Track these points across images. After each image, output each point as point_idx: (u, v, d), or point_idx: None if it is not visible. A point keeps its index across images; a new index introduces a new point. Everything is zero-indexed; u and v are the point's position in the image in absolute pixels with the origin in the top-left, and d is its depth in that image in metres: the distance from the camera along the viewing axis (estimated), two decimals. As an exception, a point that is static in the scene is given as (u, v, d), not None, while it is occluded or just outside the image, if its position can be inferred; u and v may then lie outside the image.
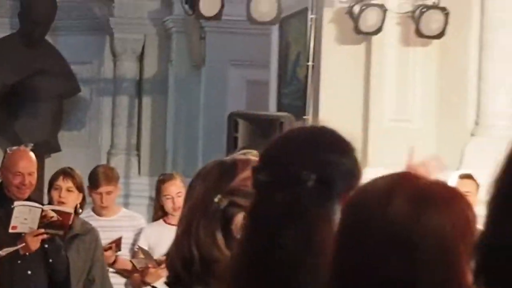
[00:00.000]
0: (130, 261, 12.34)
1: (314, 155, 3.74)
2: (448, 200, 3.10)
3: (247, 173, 4.06)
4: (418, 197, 3.08)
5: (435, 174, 3.85)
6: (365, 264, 3.08)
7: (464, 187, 11.85)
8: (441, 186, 3.18)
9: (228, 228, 4.21)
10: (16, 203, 10.36)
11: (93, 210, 12.88)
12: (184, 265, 4.30)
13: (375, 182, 3.19)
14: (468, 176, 12.41)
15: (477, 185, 12.41)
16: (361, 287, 3.09)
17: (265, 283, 3.62)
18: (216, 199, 4.22)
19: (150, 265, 12.06)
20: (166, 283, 4.53)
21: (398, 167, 3.83)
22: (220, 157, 13.96)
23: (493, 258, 2.74)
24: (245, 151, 11.36)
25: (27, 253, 10.28)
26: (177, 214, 12.30)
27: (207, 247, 4.23)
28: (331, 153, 3.73)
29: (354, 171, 3.68)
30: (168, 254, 4.61)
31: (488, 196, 2.77)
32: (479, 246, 2.79)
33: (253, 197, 3.77)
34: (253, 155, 12.23)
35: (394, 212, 3.05)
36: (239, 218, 4.09)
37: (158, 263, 11.82)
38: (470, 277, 3.03)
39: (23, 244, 10.14)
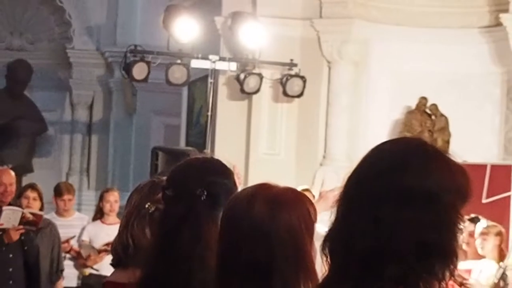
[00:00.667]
0: (78, 249, 12.31)
1: (205, 178, 3.81)
2: (295, 202, 3.16)
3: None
4: (273, 201, 3.13)
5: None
6: (237, 250, 3.11)
7: (307, 194, 11.96)
8: (290, 192, 3.23)
9: (153, 225, 4.17)
10: (4, 207, 10.20)
11: (56, 213, 12.70)
12: (123, 250, 4.33)
13: (243, 191, 3.31)
14: (307, 190, 11.93)
15: (313, 196, 12.03)
16: (235, 267, 3.11)
17: (167, 268, 3.69)
18: (147, 206, 4.26)
19: (91, 254, 12.07)
20: (111, 264, 4.50)
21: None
22: (145, 178, 13.87)
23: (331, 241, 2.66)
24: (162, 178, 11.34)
25: (9, 242, 10.10)
26: (112, 215, 12.49)
27: (139, 238, 4.26)
28: (217, 176, 3.83)
29: (232, 189, 3.79)
30: (112, 244, 4.58)
31: (335, 204, 2.68)
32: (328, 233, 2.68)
33: (163, 206, 3.91)
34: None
35: (255, 212, 3.10)
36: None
37: (98, 252, 12.01)
38: (313, 254, 3.15)
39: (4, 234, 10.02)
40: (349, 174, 2.68)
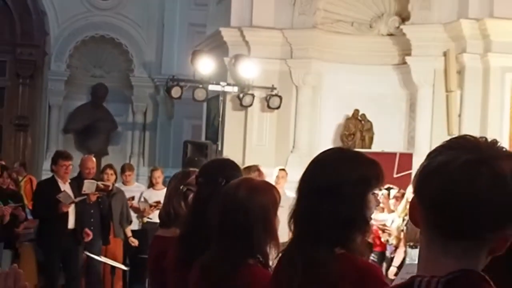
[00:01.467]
0: (138, 206, 12.23)
1: (224, 171, 3.74)
2: (267, 189, 3.17)
3: (194, 176, 4.01)
4: (252, 188, 3.14)
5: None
6: (227, 219, 3.11)
7: (282, 173, 11.81)
8: (264, 183, 3.29)
9: (186, 200, 4.18)
10: (85, 180, 10.24)
11: (122, 183, 12.39)
12: (167, 216, 4.30)
13: (234, 181, 3.28)
14: (283, 169, 12.01)
15: (286, 173, 11.90)
16: (226, 230, 3.10)
17: (197, 227, 3.60)
18: (181, 187, 4.24)
19: (146, 208, 11.94)
20: (159, 225, 4.49)
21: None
22: (179, 160, 13.69)
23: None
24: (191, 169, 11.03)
25: (90, 202, 10.12)
26: (159, 184, 12.22)
27: (177, 208, 4.22)
28: (232, 170, 3.75)
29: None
30: (160, 211, 4.54)
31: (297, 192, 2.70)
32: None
33: (196, 188, 3.86)
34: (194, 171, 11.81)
35: (239, 195, 3.10)
36: (191, 196, 4.05)
37: (150, 206, 11.92)
38: (277, 226, 3.11)
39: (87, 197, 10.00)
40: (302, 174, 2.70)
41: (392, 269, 9.68)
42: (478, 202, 1.53)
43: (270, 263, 3.08)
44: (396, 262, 9.68)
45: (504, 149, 1.61)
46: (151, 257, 4.51)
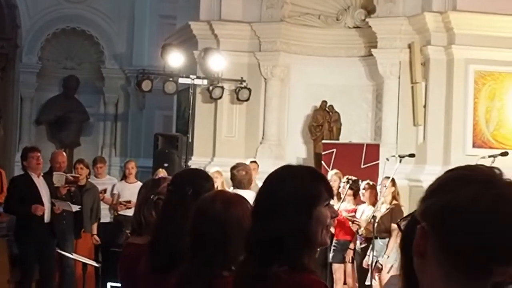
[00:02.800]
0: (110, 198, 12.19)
1: (192, 180, 3.79)
2: (240, 202, 3.16)
3: (164, 185, 4.09)
4: (227, 200, 3.15)
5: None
6: (202, 232, 3.09)
7: (253, 165, 11.78)
8: (237, 196, 3.28)
9: (157, 209, 4.12)
10: (54, 173, 10.30)
11: (94, 176, 12.34)
12: (138, 224, 4.29)
13: (208, 193, 3.30)
14: (254, 161, 12.01)
15: (258, 165, 11.97)
16: (200, 244, 3.07)
17: (165, 234, 3.63)
18: (152, 196, 4.24)
19: (117, 203, 11.94)
20: (130, 232, 4.50)
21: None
22: (150, 151, 13.57)
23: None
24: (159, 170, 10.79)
25: (61, 196, 10.15)
26: (131, 177, 12.22)
27: (148, 217, 4.22)
28: (200, 180, 3.81)
29: (210, 189, 3.71)
30: (131, 219, 4.56)
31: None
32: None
33: (165, 196, 3.89)
34: (162, 172, 11.58)
35: (216, 208, 3.10)
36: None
37: (120, 204, 11.87)
38: None
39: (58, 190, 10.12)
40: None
41: (385, 258, 9.78)
42: (507, 235, 1.54)
43: None
44: (388, 251, 9.79)
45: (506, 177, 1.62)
46: (123, 264, 4.46)
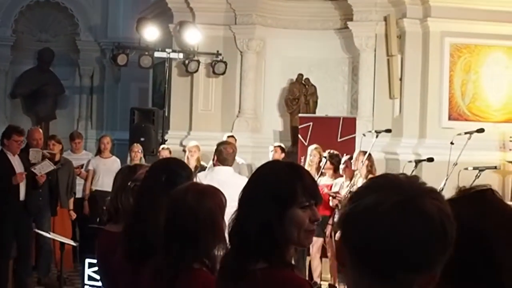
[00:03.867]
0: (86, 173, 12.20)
1: (167, 168, 3.78)
2: (214, 193, 3.15)
3: (141, 171, 4.04)
4: (199, 192, 3.14)
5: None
6: (174, 223, 3.08)
7: (230, 140, 11.80)
8: (211, 187, 3.23)
9: (133, 195, 4.00)
10: (31, 149, 10.14)
11: (71, 151, 12.29)
12: (115, 211, 4.20)
13: (181, 186, 3.26)
14: (231, 136, 12.01)
15: (235, 140, 11.84)
16: (173, 235, 3.07)
17: (137, 221, 3.62)
18: (129, 183, 4.13)
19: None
20: (106, 220, 4.40)
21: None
22: (126, 123, 13.42)
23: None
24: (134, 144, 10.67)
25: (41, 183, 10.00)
26: (106, 152, 12.15)
27: (125, 204, 4.10)
28: (176, 168, 3.77)
29: (189, 177, 3.71)
30: (106, 206, 4.40)
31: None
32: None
33: (140, 183, 3.85)
34: (137, 147, 11.34)
35: (188, 199, 3.08)
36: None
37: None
38: (223, 226, 3.06)
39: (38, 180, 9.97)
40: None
41: None
42: (409, 242, 1.53)
43: (218, 266, 2.99)
44: None
45: (425, 185, 1.61)
46: (99, 252, 4.41)
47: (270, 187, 2.59)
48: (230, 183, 7.27)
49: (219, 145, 8.05)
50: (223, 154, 7.85)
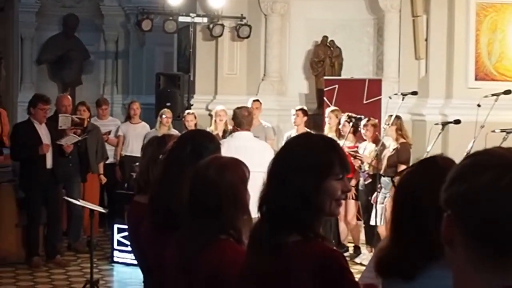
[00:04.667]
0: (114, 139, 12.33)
1: (193, 140, 3.82)
2: (236, 166, 3.17)
3: (170, 143, 4.04)
4: (221, 165, 3.15)
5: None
6: (198, 197, 3.11)
7: (256, 104, 11.92)
8: (233, 160, 3.24)
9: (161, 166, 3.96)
10: (60, 115, 10.36)
11: (97, 117, 12.50)
12: (145, 183, 4.25)
13: (204, 160, 3.27)
14: (257, 100, 12.18)
15: (260, 104, 12.06)
16: (196, 208, 3.11)
17: (162, 190, 3.68)
18: (160, 157, 4.11)
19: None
20: (136, 191, 4.47)
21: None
22: (152, 87, 13.55)
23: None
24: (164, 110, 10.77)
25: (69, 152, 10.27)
26: (136, 118, 12.32)
27: (156, 176, 4.02)
28: (202, 140, 3.80)
29: (216, 151, 3.71)
30: (136, 178, 4.58)
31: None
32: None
33: (166, 155, 3.89)
34: (168, 112, 11.41)
35: (209, 174, 3.10)
36: None
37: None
38: (247, 198, 3.14)
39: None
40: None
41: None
42: None
43: (244, 237, 3.04)
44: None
45: None
46: (129, 222, 4.49)
47: (307, 159, 2.61)
48: (248, 148, 7.34)
49: (235, 109, 8.13)
50: (239, 117, 7.92)
